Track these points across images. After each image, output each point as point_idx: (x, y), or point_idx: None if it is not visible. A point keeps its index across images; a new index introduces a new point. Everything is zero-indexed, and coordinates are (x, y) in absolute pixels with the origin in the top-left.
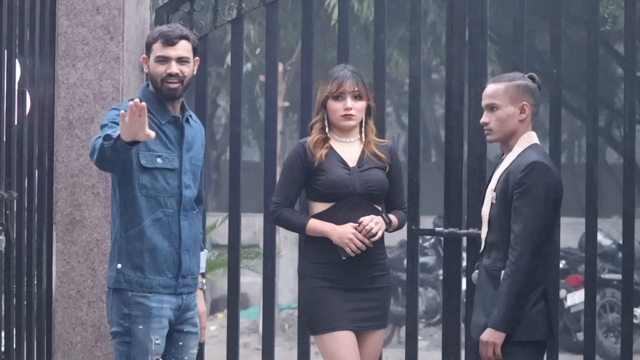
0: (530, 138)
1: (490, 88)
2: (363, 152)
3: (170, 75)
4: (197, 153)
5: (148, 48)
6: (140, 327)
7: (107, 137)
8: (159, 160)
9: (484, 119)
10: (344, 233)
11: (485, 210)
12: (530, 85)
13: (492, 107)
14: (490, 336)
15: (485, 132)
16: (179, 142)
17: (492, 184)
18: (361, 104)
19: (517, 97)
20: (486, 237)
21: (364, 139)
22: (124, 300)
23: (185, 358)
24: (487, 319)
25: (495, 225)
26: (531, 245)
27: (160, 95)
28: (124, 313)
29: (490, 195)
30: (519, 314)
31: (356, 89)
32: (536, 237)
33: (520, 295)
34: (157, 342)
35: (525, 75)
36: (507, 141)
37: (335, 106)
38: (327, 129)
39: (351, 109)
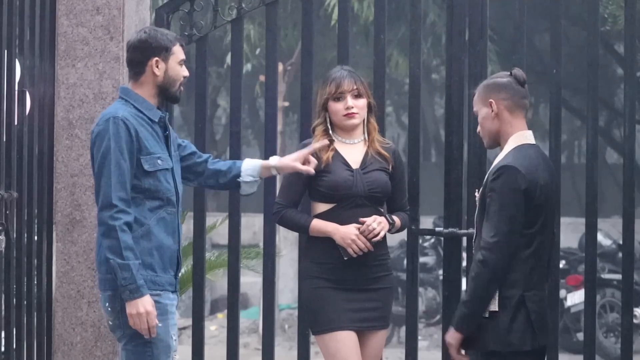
0: (520, 138)
1: None
2: (367, 153)
3: (185, 77)
4: (175, 151)
5: (165, 50)
6: (160, 324)
7: (128, 275)
8: (159, 162)
9: (478, 129)
10: (346, 234)
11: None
12: (499, 81)
13: (476, 114)
14: (449, 337)
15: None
16: (165, 141)
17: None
18: (362, 102)
19: (484, 97)
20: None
21: (367, 140)
22: None
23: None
24: None
25: (477, 228)
26: (497, 251)
27: (165, 97)
28: None
29: (477, 198)
30: (477, 317)
31: (355, 87)
32: (502, 242)
33: (480, 299)
34: (175, 338)
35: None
36: (498, 143)
37: (337, 107)
38: (330, 131)
39: (352, 107)
